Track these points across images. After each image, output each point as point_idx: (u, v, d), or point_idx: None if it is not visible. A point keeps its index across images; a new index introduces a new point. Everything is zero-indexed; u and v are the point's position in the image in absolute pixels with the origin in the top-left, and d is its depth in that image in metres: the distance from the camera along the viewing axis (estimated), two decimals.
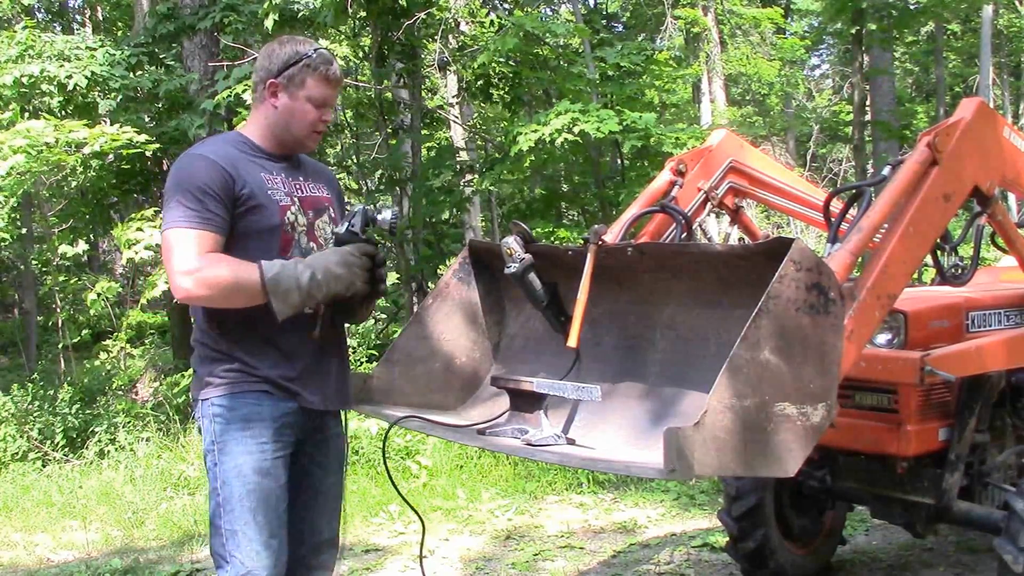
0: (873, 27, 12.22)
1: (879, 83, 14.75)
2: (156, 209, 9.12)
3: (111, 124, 8.84)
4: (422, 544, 2.99)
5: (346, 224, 2.57)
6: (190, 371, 9.43)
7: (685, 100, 21.12)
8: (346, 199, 2.65)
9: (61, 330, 11.15)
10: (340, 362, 2.80)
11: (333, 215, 2.83)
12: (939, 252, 3.31)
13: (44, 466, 7.66)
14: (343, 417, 2.88)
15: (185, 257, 2.47)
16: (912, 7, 12.91)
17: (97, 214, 10.60)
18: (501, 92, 11.48)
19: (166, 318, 12.53)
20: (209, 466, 2.63)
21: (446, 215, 12.16)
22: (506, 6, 13.55)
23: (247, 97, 8.42)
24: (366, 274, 2.58)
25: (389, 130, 11.26)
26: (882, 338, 3.69)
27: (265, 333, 2.60)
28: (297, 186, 2.76)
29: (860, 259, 2.96)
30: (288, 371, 2.64)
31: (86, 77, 8.86)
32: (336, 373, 2.77)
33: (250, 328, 2.59)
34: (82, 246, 9.99)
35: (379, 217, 2.57)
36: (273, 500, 2.60)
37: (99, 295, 9.17)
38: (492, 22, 11.99)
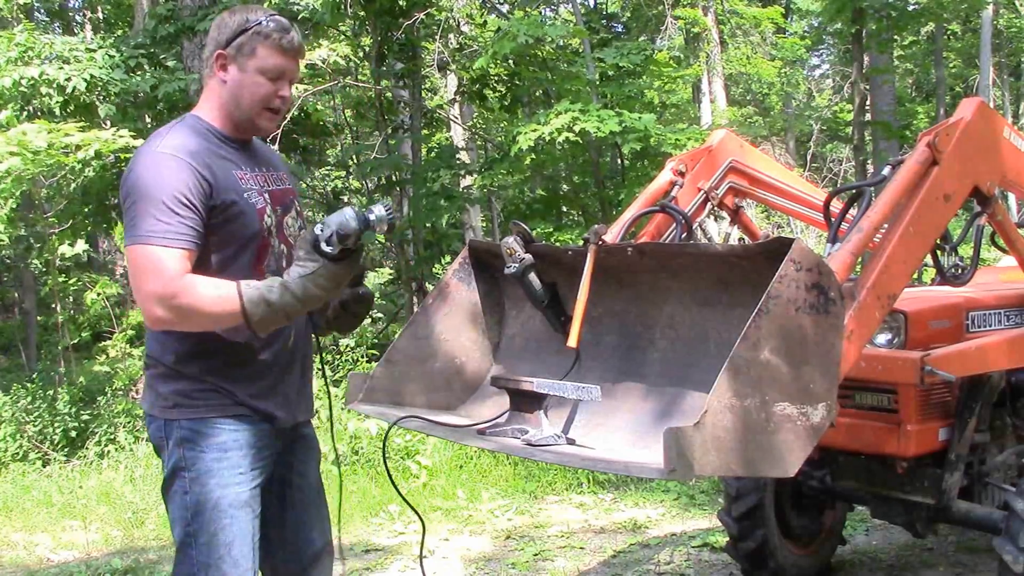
0: (874, 26, 12.20)
1: (879, 83, 14.73)
2: None
3: (111, 127, 8.82)
4: (422, 544, 2.99)
5: (332, 239, 2.24)
6: None
7: (685, 100, 21.12)
8: (344, 199, 2.44)
9: (61, 330, 11.12)
10: (304, 369, 2.66)
11: (299, 209, 2.65)
12: (939, 252, 3.32)
13: (44, 466, 7.67)
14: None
15: (159, 280, 2.25)
16: (912, 8, 12.89)
17: (97, 214, 10.59)
18: (498, 95, 11.47)
19: None
20: (175, 491, 2.45)
21: (445, 222, 12.16)
22: (505, 7, 13.55)
23: None
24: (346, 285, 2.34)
25: (389, 130, 11.26)
26: (882, 338, 3.68)
27: (232, 350, 2.43)
28: (263, 179, 2.54)
29: (860, 259, 2.96)
30: (260, 389, 2.48)
31: (85, 80, 8.86)
32: (299, 381, 2.62)
33: (216, 346, 2.41)
34: (82, 246, 9.97)
35: (371, 218, 2.23)
36: (248, 533, 2.46)
37: (99, 295, 9.15)
38: (486, 23, 11.99)
